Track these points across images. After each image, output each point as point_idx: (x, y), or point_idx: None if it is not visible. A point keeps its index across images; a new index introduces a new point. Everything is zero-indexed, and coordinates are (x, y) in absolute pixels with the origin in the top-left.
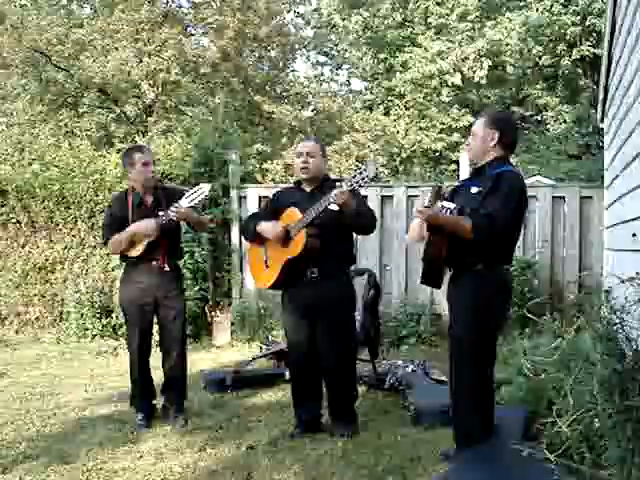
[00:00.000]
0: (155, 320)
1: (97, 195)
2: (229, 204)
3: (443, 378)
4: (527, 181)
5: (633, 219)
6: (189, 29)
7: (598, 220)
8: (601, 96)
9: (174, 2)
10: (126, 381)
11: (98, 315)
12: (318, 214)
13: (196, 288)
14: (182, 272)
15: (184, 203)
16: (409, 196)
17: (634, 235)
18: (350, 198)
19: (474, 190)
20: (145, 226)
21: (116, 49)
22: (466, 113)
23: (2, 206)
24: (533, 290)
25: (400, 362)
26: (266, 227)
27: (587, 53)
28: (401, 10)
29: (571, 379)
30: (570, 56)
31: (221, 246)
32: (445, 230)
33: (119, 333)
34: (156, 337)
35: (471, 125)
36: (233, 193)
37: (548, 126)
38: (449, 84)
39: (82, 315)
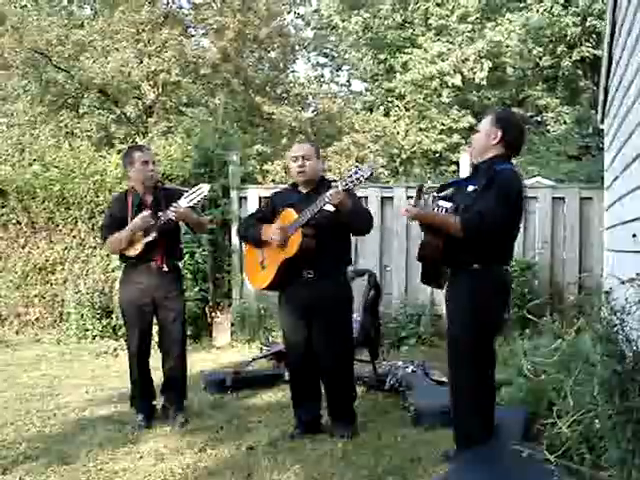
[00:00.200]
0: (155, 321)
1: (97, 196)
2: (229, 205)
3: (443, 379)
4: (527, 182)
5: (633, 220)
6: (189, 30)
7: (598, 221)
8: (601, 97)
9: (174, 3)
10: (126, 382)
11: (98, 316)
12: (314, 214)
13: (196, 289)
14: (182, 273)
15: (183, 203)
16: (409, 197)
17: (634, 236)
18: (346, 198)
19: (470, 188)
20: (141, 217)
21: (116, 50)
22: (466, 114)
23: (2, 207)
24: (533, 291)
25: (400, 363)
26: (270, 232)
27: (587, 54)
28: (401, 11)
29: (571, 380)
30: (570, 57)
31: (221, 247)
32: (436, 228)
33: (119, 334)
34: (156, 338)
35: (472, 126)
36: (233, 194)
37: (548, 127)
38: (449, 85)
39: (82, 316)
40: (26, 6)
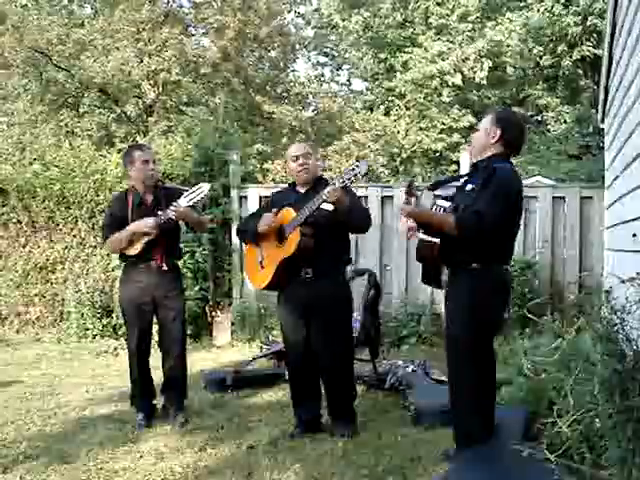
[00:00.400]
0: (155, 320)
1: (98, 195)
2: (229, 204)
3: (443, 378)
4: (527, 181)
5: (633, 219)
6: (190, 29)
7: (598, 220)
8: (602, 97)
9: (175, 2)
10: (126, 381)
11: (98, 315)
12: (312, 212)
13: (196, 288)
14: (182, 272)
15: (183, 202)
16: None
17: (634, 235)
18: (343, 195)
19: (469, 187)
20: (144, 224)
21: (117, 49)
22: (466, 113)
23: (3, 206)
24: (533, 290)
25: (400, 362)
26: (261, 220)
27: (588, 53)
28: (401, 10)
29: (571, 379)
30: (571, 56)
31: (222, 246)
32: (432, 228)
33: (119, 333)
34: (156, 337)
35: (472, 126)
36: (233, 193)
37: (549, 126)
38: (449, 84)
39: (82, 315)
40: (26, 5)
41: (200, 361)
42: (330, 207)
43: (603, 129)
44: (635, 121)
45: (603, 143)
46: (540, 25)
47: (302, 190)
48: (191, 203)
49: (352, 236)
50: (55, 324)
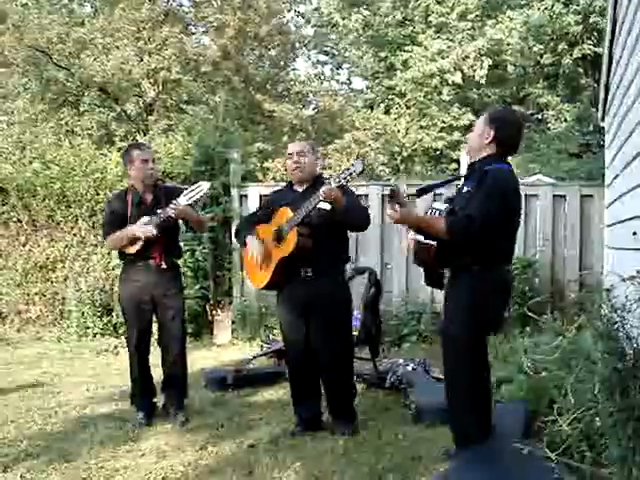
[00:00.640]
0: (154, 319)
1: (98, 194)
2: (230, 203)
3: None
4: (528, 180)
5: (633, 218)
6: (190, 28)
7: (599, 219)
8: (602, 95)
9: (175, 1)
10: (127, 379)
11: (99, 314)
12: (309, 211)
13: (197, 287)
14: (182, 271)
15: (182, 201)
16: (409, 195)
17: (634, 234)
18: (339, 194)
19: (465, 189)
20: (144, 231)
21: (117, 48)
22: (467, 112)
23: (3, 205)
24: (534, 289)
25: (401, 360)
26: (253, 246)
27: (588, 52)
28: (401, 9)
29: (572, 377)
30: (571, 55)
31: (222, 245)
32: (423, 232)
33: (120, 332)
34: (156, 335)
35: (472, 124)
36: (234, 192)
37: (549, 125)
38: (450, 83)
39: (83, 314)
40: (27, 4)
41: (201, 360)
42: (327, 206)
43: (603, 127)
44: (635, 120)
45: (603, 141)
46: (540, 23)
47: (300, 189)
48: (191, 201)
49: (353, 234)
50: (55, 323)
